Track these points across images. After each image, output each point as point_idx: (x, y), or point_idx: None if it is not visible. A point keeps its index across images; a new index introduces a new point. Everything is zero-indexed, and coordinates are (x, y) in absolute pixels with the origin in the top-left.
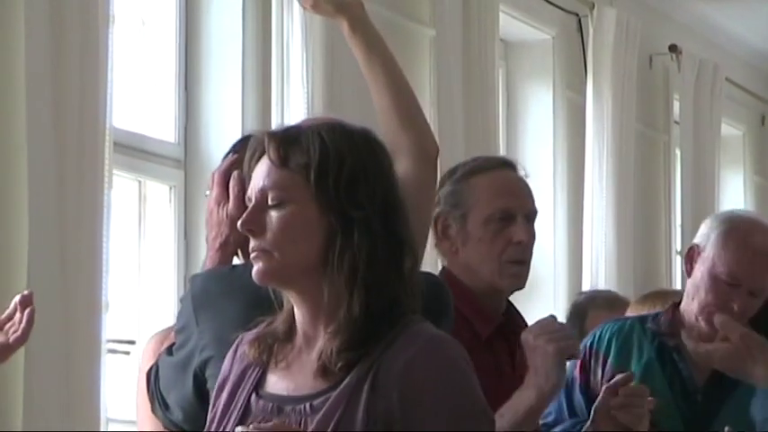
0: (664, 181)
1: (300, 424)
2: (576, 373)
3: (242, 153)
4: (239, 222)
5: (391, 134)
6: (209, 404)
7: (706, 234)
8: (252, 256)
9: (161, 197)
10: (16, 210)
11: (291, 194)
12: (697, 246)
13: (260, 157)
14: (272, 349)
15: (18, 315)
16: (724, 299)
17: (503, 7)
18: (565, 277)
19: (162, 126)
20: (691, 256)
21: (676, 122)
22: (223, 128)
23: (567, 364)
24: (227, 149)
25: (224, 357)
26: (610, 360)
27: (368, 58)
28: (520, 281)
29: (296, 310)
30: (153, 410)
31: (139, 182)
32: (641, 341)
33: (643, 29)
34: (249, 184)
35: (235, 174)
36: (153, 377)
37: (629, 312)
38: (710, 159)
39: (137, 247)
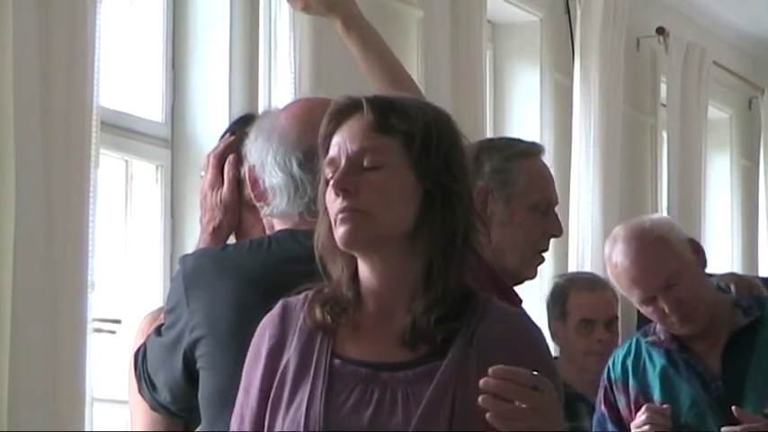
0: (650, 163)
1: (404, 390)
2: (603, 409)
3: (239, 134)
4: (333, 181)
5: None
6: (197, 385)
7: (612, 281)
8: (340, 217)
9: (148, 176)
10: (2, 188)
11: (390, 159)
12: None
13: (339, 121)
14: (345, 313)
15: None
16: (660, 316)
17: None
18: (551, 260)
19: (149, 105)
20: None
21: (663, 105)
22: (210, 107)
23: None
24: (213, 129)
25: (215, 336)
26: (630, 383)
27: (364, 54)
28: (536, 273)
29: (371, 277)
30: (139, 391)
31: (126, 161)
32: (650, 353)
33: (630, 11)
34: (324, 146)
35: (230, 157)
36: (140, 358)
37: None
38: (697, 142)
39: (123, 227)
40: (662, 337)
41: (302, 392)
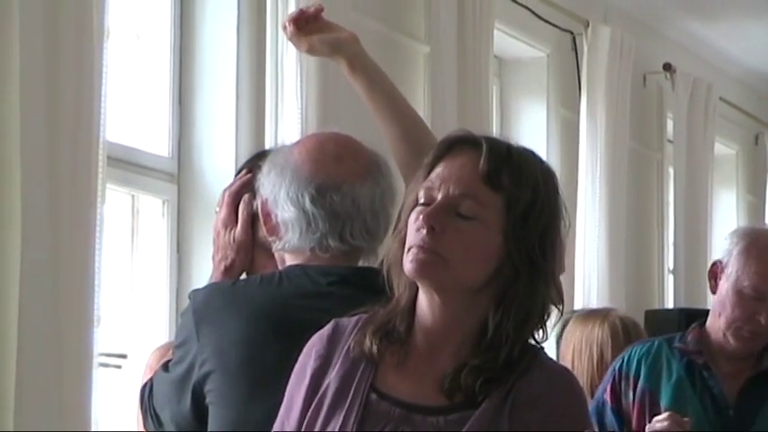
0: (657, 199)
1: None
2: (607, 396)
3: (255, 172)
4: (424, 214)
5: (404, 164)
6: (205, 420)
7: (728, 250)
8: (415, 251)
9: (154, 211)
10: (9, 223)
11: (487, 214)
12: (720, 262)
13: (451, 151)
14: (392, 346)
15: None
16: (750, 312)
17: (498, 24)
18: None
19: (155, 140)
20: (714, 272)
21: (670, 141)
22: (216, 142)
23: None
24: (220, 164)
25: (224, 371)
26: (640, 382)
27: (371, 93)
28: None
29: (427, 313)
30: (145, 426)
31: (132, 196)
32: (670, 361)
33: (637, 47)
34: (428, 171)
35: (245, 197)
36: (147, 393)
37: (574, 329)
38: (704, 178)
39: (129, 261)
40: (691, 347)
41: (335, 421)
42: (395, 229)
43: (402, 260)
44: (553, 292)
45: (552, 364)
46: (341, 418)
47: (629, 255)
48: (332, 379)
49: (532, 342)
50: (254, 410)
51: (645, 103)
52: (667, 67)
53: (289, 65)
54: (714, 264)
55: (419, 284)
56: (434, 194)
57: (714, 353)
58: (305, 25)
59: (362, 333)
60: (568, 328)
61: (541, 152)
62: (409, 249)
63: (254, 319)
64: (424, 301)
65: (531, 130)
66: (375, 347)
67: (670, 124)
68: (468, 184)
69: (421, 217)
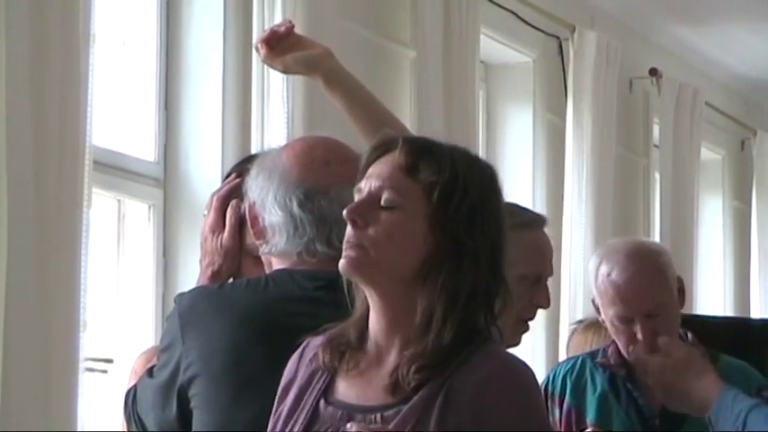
0: (643, 204)
1: None
2: None
3: (244, 176)
4: (345, 210)
5: None
6: (190, 426)
7: (592, 283)
8: (344, 246)
9: (140, 216)
10: None
11: (407, 202)
12: (596, 304)
13: (380, 155)
14: (344, 356)
15: None
16: (627, 338)
17: (484, 29)
18: None
19: (141, 145)
20: (598, 311)
21: (656, 146)
22: (203, 147)
23: None
24: (206, 168)
25: (209, 375)
26: (566, 398)
27: (350, 106)
28: (521, 340)
29: (372, 315)
30: None
31: (118, 200)
32: (593, 376)
33: (623, 52)
34: (360, 178)
35: (233, 202)
36: (131, 399)
37: (581, 337)
38: (690, 183)
39: (115, 266)
40: (612, 361)
41: (286, 429)
42: None
43: None
44: (485, 272)
45: (497, 353)
46: (288, 426)
47: None
48: (292, 391)
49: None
50: (239, 415)
51: (631, 108)
52: (653, 72)
53: (274, 71)
54: (593, 299)
55: (361, 286)
56: (362, 195)
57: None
58: (277, 44)
59: (321, 347)
60: (575, 336)
61: (528, 157)
62: (343, 249)
63: (239, 323)
64: (372, 307)
65: (518, 135)
66: (327, 358)
67: (656, 129)
68: (386, 176)
69: (344, 214)
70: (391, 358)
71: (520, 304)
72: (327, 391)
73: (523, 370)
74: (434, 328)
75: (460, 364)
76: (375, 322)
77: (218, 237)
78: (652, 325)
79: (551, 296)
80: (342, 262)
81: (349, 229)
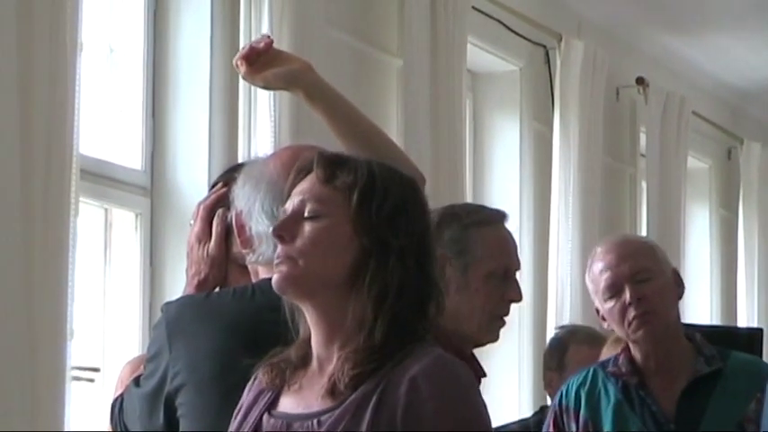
0: (630, 213)
1: None
2: (551, 430)
3: (231, 185)
4: (272, 229)
5: None
6: None
7: (589, 284)
8: (276, 262)
9: (127, 225)
10: None
11: (329, 209)
12: (596, 307)
13: (304, 176)
14: (285, 374)
15: None
16: (620, 310)
17: (470, 38)
18: (530, 312)
19: (128, 153)
20: (599, 312)
21: (643, 155)
22: (190, 156)
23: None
24: (193, 177)
25: (196, 384)
26: (581, 412)
27: (332, 120)
28: (498, 336)
29: (313, 330)
30: None
31: (105, 209)
32: (606, 386)
33: (610, 61)
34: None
35: (219, 212)
36: (117, 408)
37: (604, 352)
38: (677, 192)
39: (102, 275)
40: (623, 370)
41: None
42: None
43: None
44: (414, 270)
45: (430, 351)
46: None
47: None
48: (240, 413)
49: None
50: (225, 424)
51: (618, 117)
52: (640, 80)
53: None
54: (596, 309)
55: (297, 303)
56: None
57: (645, 370)
58: (257, 60)
59: (264, 369)
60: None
61: (514, 166)
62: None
63: (226, 332)
64: (308, 321)
65: (504, 143)
66: (269, 377)
67: (643, 138)
68: (307, 190)
69: (270, 231)
70: (331, 366)
71: (492, 301)
72: (271, 407)
73: (455, 364)
74: (365, 326)
75: (395, 366)
76: (315, 337)
77: (204, 246)
78: (642, 290)
79: (538, 306)
80: (274, 278)
81: (279, 246)
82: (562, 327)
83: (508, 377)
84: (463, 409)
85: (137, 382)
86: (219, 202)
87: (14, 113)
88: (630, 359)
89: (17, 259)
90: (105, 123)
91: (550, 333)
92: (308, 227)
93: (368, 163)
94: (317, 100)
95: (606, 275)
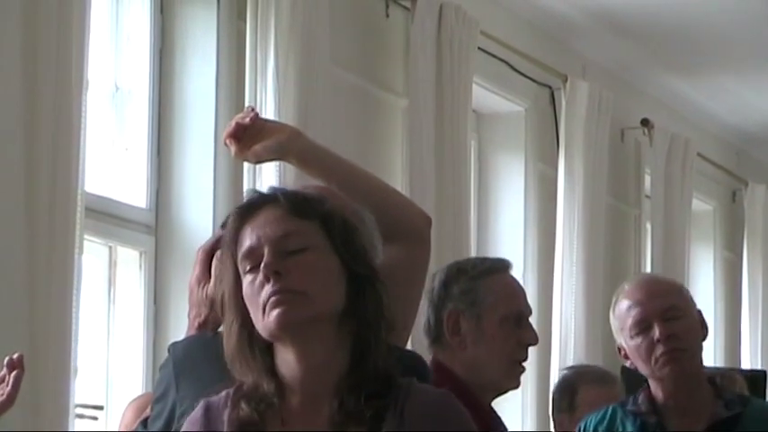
0: (634, 255)
1: None
2: None
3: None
4: (262, 267)
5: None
6: None
7: (612, 322)
8: (273, 300)
9: (131, 262)
10: None
11: (313, 241)
12: (619, 344)
13: (249, 216)
14: (267, 409)
15: (6, 377)
16: (648, 347)
17: (476, 78)
18: (534, 354)
19: (133, 191)
20: (620, 351)
21: (647, 196)
22: (195, 194)
23: None
24: (198, 215)
25: None
26: None
27: (328, 180)
28: (519, 382)
29: (293, 366)
30: None
31: (110, 247)
32: (624, 424)
33: (615, 102)
34: (236, 244)
35: (217, 253)
36: None
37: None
38: (681, 234)
39: (106, 312)
40: (643, 409)
41: None
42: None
43: (248, 342)
44: (384, 295)
45: (430, 388)
46: None
47: (606, 310)
48: None
49: None
50: None
51: (622, 158)
52: (645, 122)
53: (267, 115)
54: (619, 348)
55: (284, 341)
56: (259, 252)
57: (665, 410)
58: (244, 134)
59: (234, 405)
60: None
61: (519, 206)
62: (265, 307)
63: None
64: (288, 359)
65: (509, 184)
66: (254, 413)
67: (648, 180)
68: (282, 223)
69: (261, 270)
70: (327, 401)
71: (508, 346)
72: None
73: (461, 405)
74: (371, 353)
75: (406, 396)
76: (299, 373)
77: (203, 288)
78: (672, 328)
79: (542, 347)
80: (277, 316)
81: (269, 285)
82: (570, 367)
83: (512, 421)
84: None
85: (144, 423)
86: (217, 244)
87: (20, 150)
88: (651, 398)
89: (22, 296)
90: (110, 161)
91: (555, 376)
92: (300, 259)
93: (317, 195)
94: (311, 165)
95: (635, 311)
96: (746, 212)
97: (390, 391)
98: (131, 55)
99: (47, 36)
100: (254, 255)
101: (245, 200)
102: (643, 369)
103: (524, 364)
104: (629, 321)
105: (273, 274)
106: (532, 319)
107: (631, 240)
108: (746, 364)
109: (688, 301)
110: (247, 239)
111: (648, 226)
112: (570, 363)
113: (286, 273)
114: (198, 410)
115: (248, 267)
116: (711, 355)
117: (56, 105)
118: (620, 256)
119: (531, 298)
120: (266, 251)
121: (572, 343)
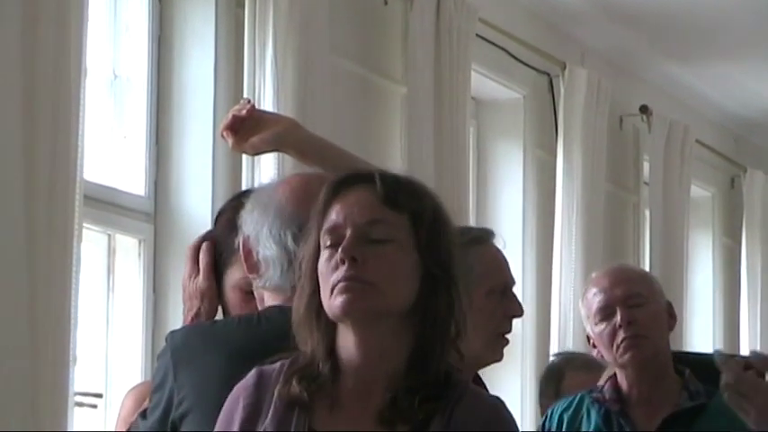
0: (633, 242)
1: None
2: None
3: (229, 213)
4: (341, 248)
5: None
6: None
7: (582, 313)
8: (343, 285)
9: (130, 250)
10: None
11: (399, 234)
12: (588, 332)
13: (341, 191)
14: (319, 389)
15: None
16: (610, 333)
17: (475, 66)
18: (533, 338)
19: (132, 179)
20: (589, 339)
21: (646, 183)
22: (193, 182)
23: None
24: (196, 203)
25: (202, 411)
26: None
27: (326, 170)
28: (502, 355)
29: (351, 350)
30: None
31: (109, 235)
32: (589, 412)
33: (614, 89)
34: (323, 216)
35: (204, 245)
36: None
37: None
38: (680, 221)
39: (105, 300)
40: (606, 396)
41: None
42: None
43: (315, 313)
44: (464, 301)
45: (484, 395)
46: None
47: None
48: (267, 425)
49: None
50: None
51: (621, 145)
52: (644, 109)
53: (266, 105)
54: (588, 336)
55: (348, 326)
56: (341, 231)
57: (629, 399)
58: (241, 126)
59: (287, 380)
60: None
61: (518, 193)
62: (333, 288)
63: (233, 359)
64: (349, 342)
65: (508, 171)
66: (304, 393)
67: (646, 166)
68: (372, 210)
69: (339, 252)
70: (379, 390)
71: (495, 319)
72: (311, 428)
73: (511, 415)
74: (434, 356)
75: (458, 401)
76: (357, 358)
77: (194, 281)
78: (634, 314)
79: (541, 333)
80: (342, 302)
81: (344, 269)
82: (558, 354)
83: (510, 403)
84: None
85: (143, 414)
86: (203, 239)
87: (18, 139)
88: (616, 387)
89: (20, 284)
90: (109, 149)
91: None
92: (381, 251)
93: (423, 186)
94: (309, 156)
95: (599, 298)
96: (745, 198)
97: (446, 393)
98: (130, 43)
99: (45, 24)
100: (335, 232)
101: (339, 175)
102: (607, 356)
103: (508, 336)
104: (594, 307)
105: (350, 259)
106: (531, 305)
107: (630, 227)
108: (745, 350)
109: (654, 290)
110: (333, 215)
111: (647, 213)
112: (569, 348)
113: (363, 260)
114: (250, 377)
115: (328, 243)
116: (710, 341)
117: (54, 93)
118: (619, 243)
119: (530, 283)
120: (348, 233)
121: (571, 329)
